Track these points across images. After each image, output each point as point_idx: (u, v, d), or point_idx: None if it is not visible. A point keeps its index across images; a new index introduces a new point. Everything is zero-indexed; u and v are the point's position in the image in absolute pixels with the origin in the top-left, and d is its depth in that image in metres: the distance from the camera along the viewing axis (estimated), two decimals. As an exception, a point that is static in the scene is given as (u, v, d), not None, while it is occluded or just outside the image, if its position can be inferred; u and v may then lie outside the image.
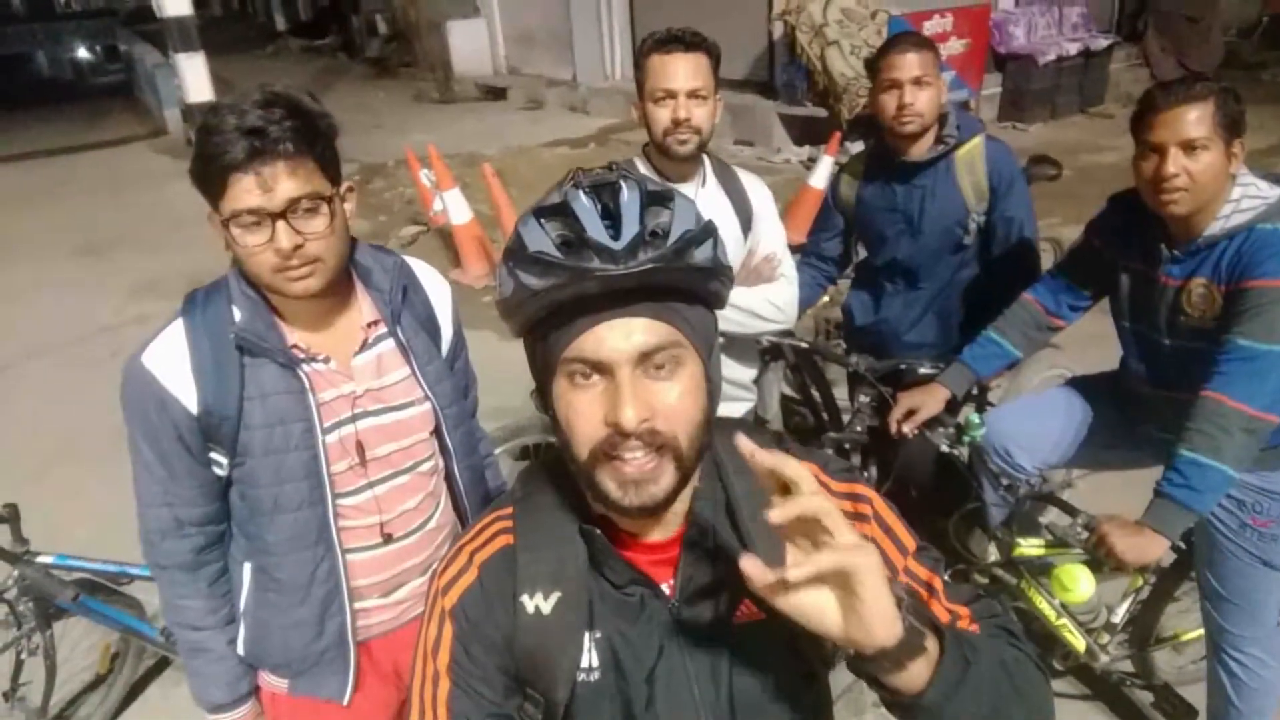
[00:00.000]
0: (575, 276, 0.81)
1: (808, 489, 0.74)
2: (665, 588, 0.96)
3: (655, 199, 0.85)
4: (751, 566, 0.75)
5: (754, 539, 0.95)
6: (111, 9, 28.00)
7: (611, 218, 0.83)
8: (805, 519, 0.73)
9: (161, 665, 2.90)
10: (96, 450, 4.12)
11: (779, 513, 0.73)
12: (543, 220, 0.84)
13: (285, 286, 1.31)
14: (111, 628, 2.54)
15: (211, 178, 1.24)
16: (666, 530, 0.96)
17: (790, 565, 0.76)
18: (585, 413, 0.85)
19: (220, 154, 1.22)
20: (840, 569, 0.73)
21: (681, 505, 0.94)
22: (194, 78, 8.70)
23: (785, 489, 0.75)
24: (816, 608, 0.77)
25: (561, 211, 0.84)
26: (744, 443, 0.76)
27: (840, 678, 1.06)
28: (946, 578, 0.99)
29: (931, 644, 0.79)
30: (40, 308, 6.24)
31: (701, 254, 0.85)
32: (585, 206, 0.83)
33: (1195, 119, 1.73)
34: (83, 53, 24.96)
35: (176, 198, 8.26)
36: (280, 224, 1.25)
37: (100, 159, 10.78)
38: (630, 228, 0.82)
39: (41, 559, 2.37)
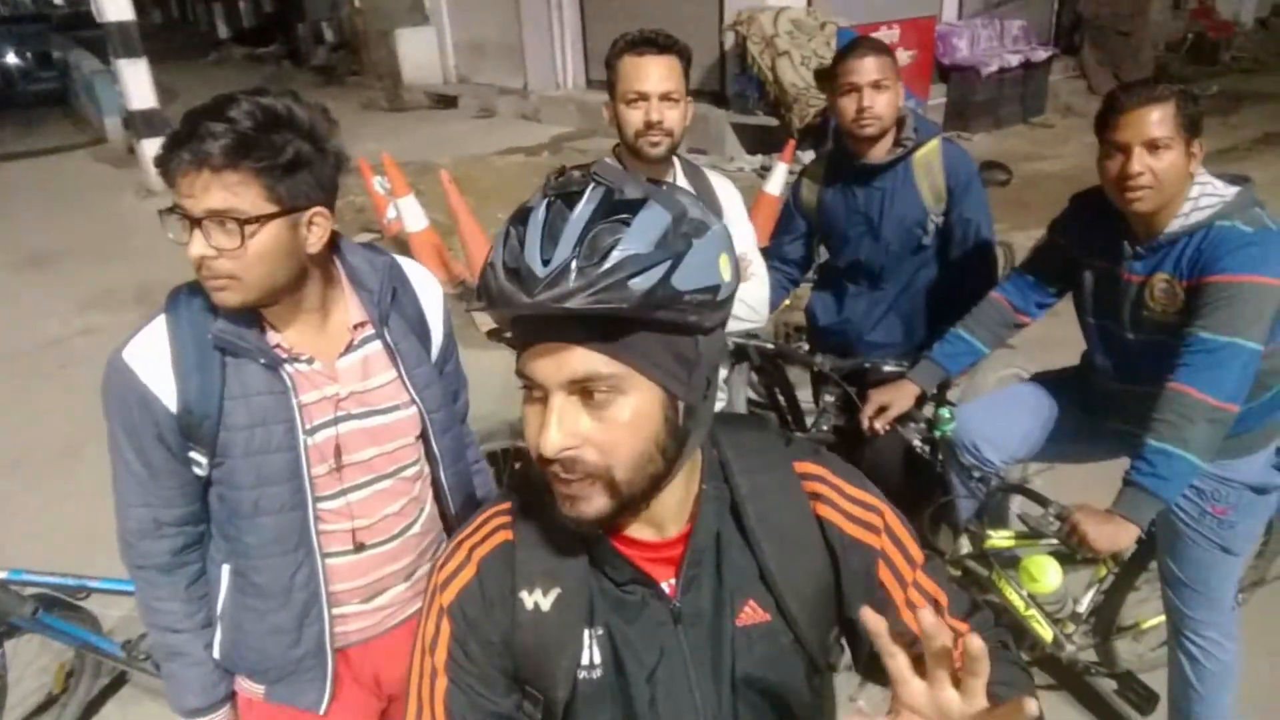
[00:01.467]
0: (496, 301, 0.80)
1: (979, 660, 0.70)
2: (666, 587, 0.95)
3: (615, 210, 0.78)
4: None
5: (759, 540, 0.95)
6: (43, 14, 27.17)
7: (549, 231, 0.78)
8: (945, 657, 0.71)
9: (118, 683, 2.81)
10: (43, 465, 3.99)
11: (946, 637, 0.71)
12: (511, 229, 0.81)
13: (210, 293, 1.30)
14: (69, 644, 2.45)
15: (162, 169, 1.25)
16: (667, 530, 0.95)
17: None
18: (531, 426, 0.85)
19: (166, 148, 1.22)
20: None
21: (681, 506, 0.94)
22: (136, 85, 8.50)
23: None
24: None
25: (523, 219, 0.81)
26: (928, 619, 0.71)
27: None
28: (949, 589, 1.01)
29: None
30: (-17, 321, 6.03)
31: (644, 282, 0.76)
32: (537, 220, 0.79)
33: (1158, 119, 1.78)
34: (12, 59, 24.16)
35: (123, 208, 8.07)
36: (195, 231, 1.23)
37: (38, 168, 10.46)
38: (561, 251, 0.76)
39: (-3, 575, 2.28)
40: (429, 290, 1.57)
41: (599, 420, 0.81)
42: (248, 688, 1.52)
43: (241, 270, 1.25)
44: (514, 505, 1.00)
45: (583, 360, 0.80)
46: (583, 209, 0.78)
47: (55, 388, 4.77)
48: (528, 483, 1.01)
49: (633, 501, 0.86)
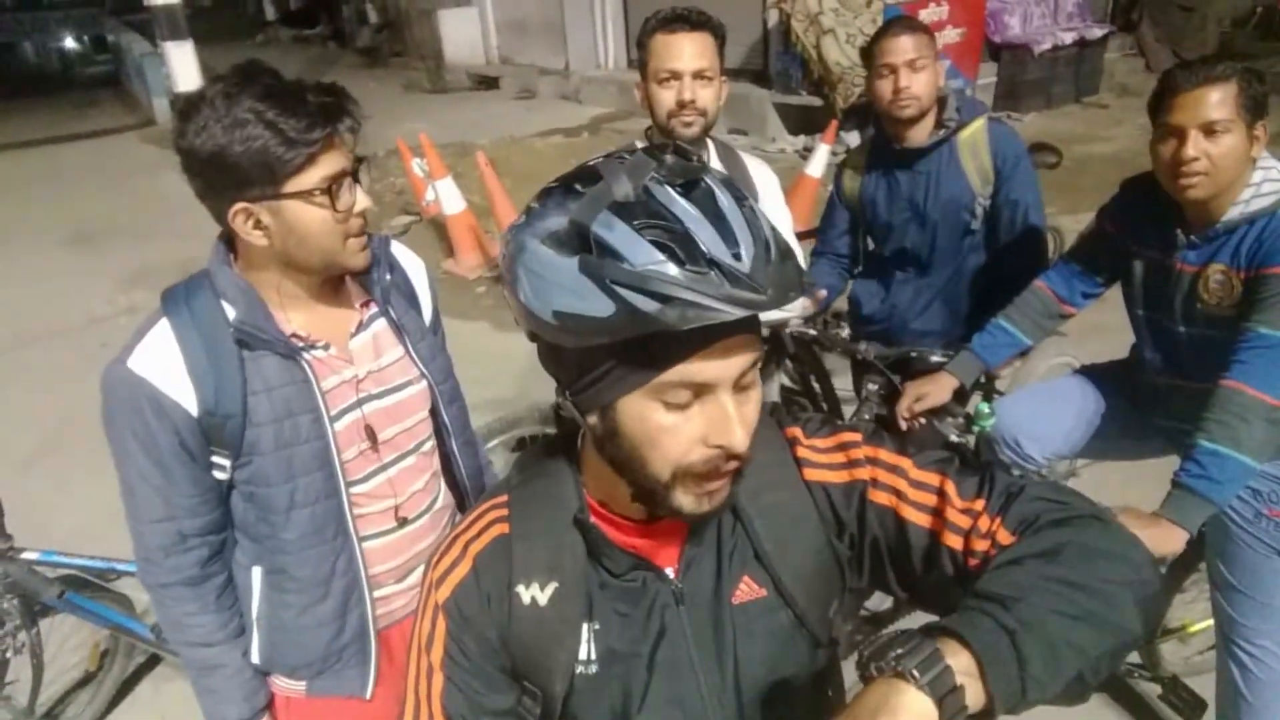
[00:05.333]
0: (712, 307, 0.70)
1: None
2: (669, 571, 0.94)
3: (739, 196, 0.77)
4: None
5: (751, 517, 0.94)
6: (99, -1, 27.81)
7: (717, 224, 0.73)
8: None
9: (153, 662, 2.86)
10: (86, 441, 4.00)
11: None
12: (635, 223, 0.72)
13: (355, 257, 1.32)
14: (100, 625, 2.49)
15: (291, 155, 1.21)
16: None
17: None
18: (679, 433, 0.79)
19: (305, 127, 1.21)
20: None
21: None
22: (183, 67, 8.65)
23: None
24: None
25: (655, 214, 0.73)
26: None
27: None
28: (954, 472, 0.91)
29: (960, 659, 0.66)
30: (30, 298, 6.15)
31: (794, 266, 0.77)
32: (689, 211, 0.73)
33: (1217, 100, 1.68)
34: (70, 43, 24.76)
35: (167, 188, 8.12)
36: (357, 185, 1.28)
37: (89, 149, 10.69)
38: (748, 244, 0.73)
39: (26, 555, 2.31)
40: (415, 267, 1.58)
41: (748, 408, 0.81)
42: (285, 686, 1.51)
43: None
44: (511, 497, 0.98)
45: (750, 349, 0.79)
46: (724, 196, 0.76)
47: (97, 367, 4.76)
48: (528, 472, 1.00)
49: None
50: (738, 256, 0.72)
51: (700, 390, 0.78)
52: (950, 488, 0.89)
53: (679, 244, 0.71)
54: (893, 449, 0.95)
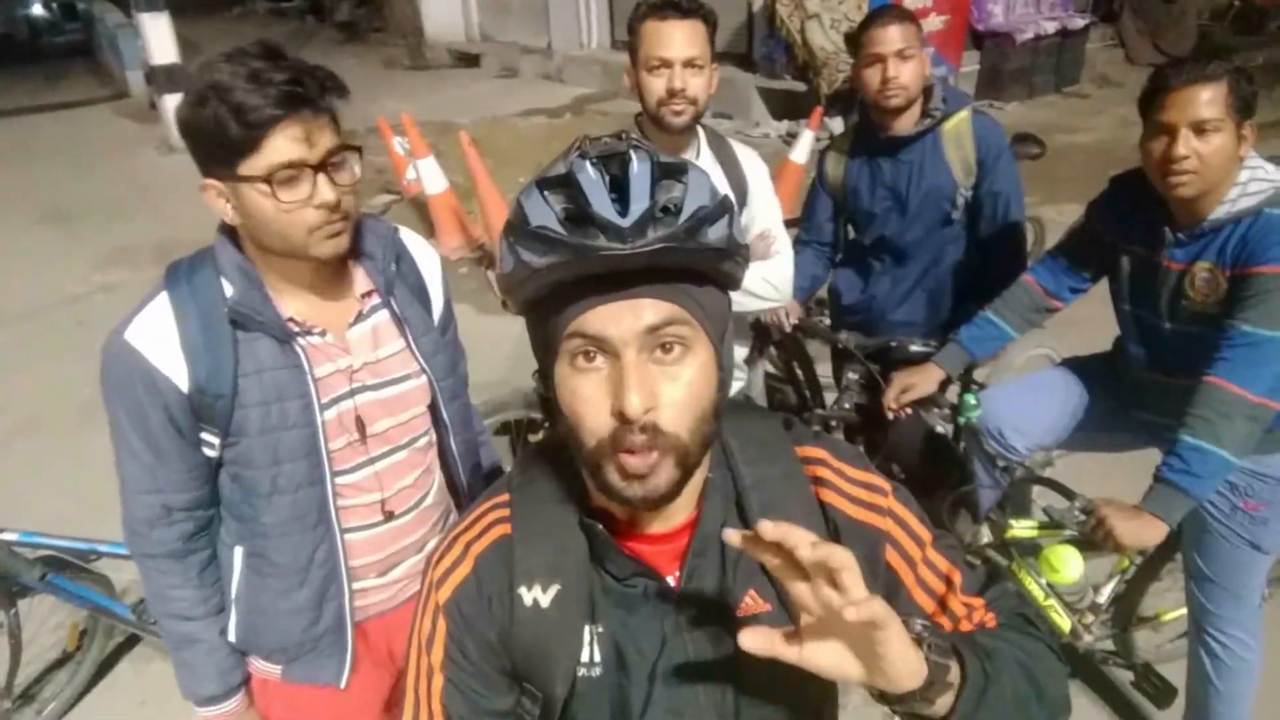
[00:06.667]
0: (578, 255, 0.76)
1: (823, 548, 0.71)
2: (670, 580, 0.93)
3: (668, 171, 0.79)
4: (753, 637, 0.75)
5: None
6: (68, -35, 27.11)
7: (619, 191, 0.77)
8: (823, 567, 0.71)
9: (132, 641, 2.84)
10: (61, 422, 4.01)
11: (810, 552, 0.70)
12: (546, 192, 0.79)
13: (318, 247, 1.27)
14: (80, 606, 2.47)
15: (237, 137, 1.18)
16: (673, 520, 0.92)
17: (803, 625, 0.75)
18: (590, 400, 0.81)
19: (252, 108, 1.16)
20: (860, 622, 0.71)
21: (688, 495, 0.91)
22: (158, 39, 8.45)
23: (784, 552, 0.72)
24: (833, 661, 0.76)
25: (565, 183, 0.78)
26: (767, 529, 0.72)
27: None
28: (963, 564, 0.98)
29: (954, 670, 0.79)
30: (1, 276, 6.03)
31: (715, 232, 0.79)
32: (591, 178, 0.77)
33: (1208, 99, 1.69)
34: (38, 10, 24.13)
35: (143, 164, 8.05)
36: (320, 177, 1.22)
37: (61, 121, 10.47)
38: (639, 203, 0.76)
39: (5, 536, 2.29)
40: (427, 258, 1.55)
41: (670, 380, 0.80)
42: (262, 668, 1.51)
43: (353, 207, 1.27)
44: (513, 497, 0.97)
45: (659, 310, 0.79)
46: (640, 167, 0.78)
47: (73, 346, 4.74)
48: (530, 470, 0.99)
49: (691, 472, 0.84)
50: (622, 212, 0.76)
51: (605, 347, 0.79)
52: (958, 579, 0.96)
53: (573, 203, 0.77)
54: (919, 516, 0.98)
